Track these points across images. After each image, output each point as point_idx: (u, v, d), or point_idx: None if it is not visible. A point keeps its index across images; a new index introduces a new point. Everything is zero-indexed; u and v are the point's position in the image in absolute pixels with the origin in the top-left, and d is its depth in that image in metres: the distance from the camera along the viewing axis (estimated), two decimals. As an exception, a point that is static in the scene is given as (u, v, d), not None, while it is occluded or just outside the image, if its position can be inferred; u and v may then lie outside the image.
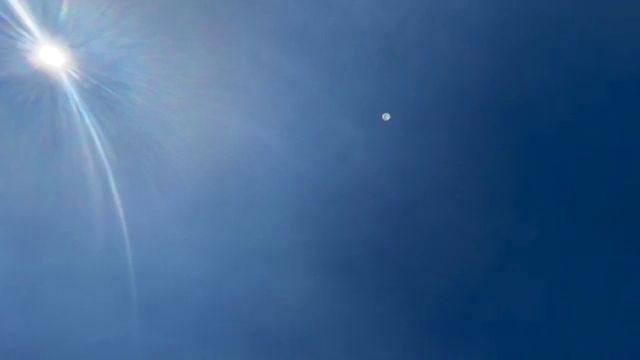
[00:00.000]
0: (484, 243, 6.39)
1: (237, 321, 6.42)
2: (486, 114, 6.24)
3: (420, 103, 6.24)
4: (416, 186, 6.37)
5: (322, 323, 6.51)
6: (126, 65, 5.75)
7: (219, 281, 6.37)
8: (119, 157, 6.00)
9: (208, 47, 5.78)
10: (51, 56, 5.59)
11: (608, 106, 6.18)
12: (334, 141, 6.28)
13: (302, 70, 6.11)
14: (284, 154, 6.21)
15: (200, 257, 6.31)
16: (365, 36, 6.14)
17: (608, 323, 6.42)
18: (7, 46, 5.43)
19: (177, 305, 6.32)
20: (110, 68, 5.75)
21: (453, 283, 6.40)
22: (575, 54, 6.03)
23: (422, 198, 6.39)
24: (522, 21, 6.08)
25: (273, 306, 6.45)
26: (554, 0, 6.01)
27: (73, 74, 5.69)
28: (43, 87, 5.62)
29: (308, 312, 6.47)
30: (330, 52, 6.14)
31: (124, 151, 6.00)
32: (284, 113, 6.16)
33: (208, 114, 5.98)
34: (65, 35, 5.54)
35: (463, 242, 6.36)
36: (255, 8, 5.85)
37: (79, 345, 6.23)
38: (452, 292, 6.50)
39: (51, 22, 5.45)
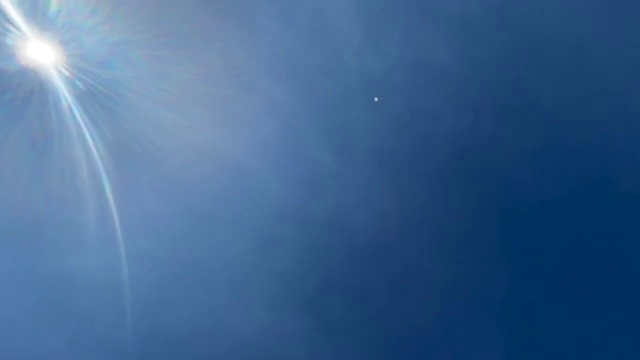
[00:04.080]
0: (450, 292, 6.45)
1: (174, 349, 6.25)
2: (463, 165, 6.36)
3: (399, 146, 6.34)
4: (388, 226, 6.43)
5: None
6: (118, 62, 5.70)
7: (164, 302, 6.30)
8: (111, 156, 5.98)
9: (201, 45, 5.81)
10: (41, 53, 5.51)
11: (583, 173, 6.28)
12: (311, 170, 6.34)
13: (287, 96, 6.20)
14: (259, 176, 6.25)
15: (149, 273, 6.25)
16: (353, 75, 6.25)
17: None
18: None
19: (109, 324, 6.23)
20: (102, 65, 5.69)
21: (416, 331, 6.46)
22: (554, 113, 6.20)
23: (393, 239, 6.46)
24: (505, 81, 6.25)
25: (218, 338, 6.29)
26: (537, 62, 6.19)
27: (64, 71, 5.63)
28: (32, 85, 5.55)
29: (255, 350, 6.36)
30: (317, 84, 6.22)
31: (117, 150, 5.96)
32: (265, 135, 6.22)
33: (194, 117, 6.02)
34: (55, 31, 5.47)
35: (429, 288, 6.44)
36: (251, 26, 5.96)
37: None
38: (415, 340, 6.56)
39: (40, 17, 5.38)
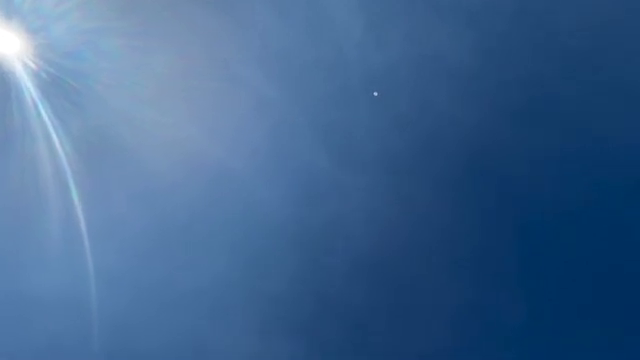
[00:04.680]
0: (462, 318, 5.63)
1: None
2: (473, 169, 5.62)
3: (405, 149, 5.63)
4: (392, 240, 5.68)
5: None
6: (89, 52, 5.12)
7: (136, 325, 5.52)
8: (80, 157, 5.33)
9: (183, 34, 5.18)
10: (4, 42, 5.00)
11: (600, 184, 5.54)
12: (305, 176, 5.63)
13: (280, 92, 5.55)
14: (246, 182, 5.56)
15: (121, 291, 5.49)
16: (353, 70, 5.59)
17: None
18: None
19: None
20: (71, 56, 5.11)
21: (418, 353, 5.63)
22: (577, 112, 5.46)
23: (398, 255, 5.69)
24: (522, 77, 5.55)
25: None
26: (557, 55, 5.50)
27: (29, 63, 5.07)
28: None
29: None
30: (313, 79, 5.56)
31: (86, 151, 5.32)
32: (254, 135, 5.55)
33: (174, 117, 5.37)
34: (21, 18, 4.95)
35: (438, 312, 5.62)
36: (239, 14, 5.34)
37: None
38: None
39: (4, 3, 4.87)
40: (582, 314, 5.35)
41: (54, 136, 5.23)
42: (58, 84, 5.14)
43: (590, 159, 5.34)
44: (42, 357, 5.29)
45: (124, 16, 5.10)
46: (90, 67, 5.15)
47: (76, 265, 5.46)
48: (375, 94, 5.48)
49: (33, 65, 5.09)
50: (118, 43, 5.10)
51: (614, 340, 5.41)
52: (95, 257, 5.46)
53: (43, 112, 5.16)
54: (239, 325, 5.59)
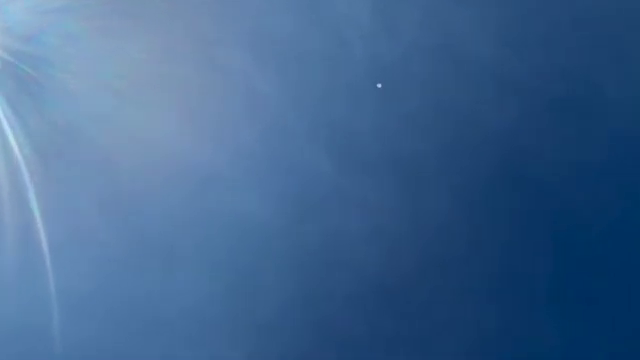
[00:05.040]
0: (477, 345, 4.82)
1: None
2: (497, 178, 4.85)
3: (416, 153, 4.87)
4: (401, 257, 4.89)
5: None
6: (52, 36, 4.42)
7: (105, 356, 4.73)
8: (40, 159, 4.58)
9: (162, 16, 4.47)
10: None
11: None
12: (303, 184, 4.88)
13: (275, 87, 4.82)
14: (236, 190, 4.81)
15: (87, 317, 4.69)
16: (359, 63, 4.86)
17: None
18: None
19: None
20: (30, 40, 4.42)
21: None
22: (623, 111, 4.72)
23: (407, 274, 4.89)
24: (554, 70, 4.82)
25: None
26: (597, 44, 4.78)
27: None
28: None
29: None
30: (313, 73, 4.83)
31: (47, 151, 4.60)
32: (244, 136, 4.81)
33: (152, 113, 4.63)
34: None
35: (451, 339, 4.80)
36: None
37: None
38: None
39: None
40: (631, 347, 4.54)
41: (9, 134, 4.52)
42: (14, 73, 4.46)
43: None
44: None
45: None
46: (53, 53, 4.46)
47: (34, 286, 4.70)
48: (379, 86, 4.74)
49: (-15, 50, 4.32)
50: (86, 25, 4.37)
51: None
52: (57, 277, 4.71)
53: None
54: (223, 357, 4.77)
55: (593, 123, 4.70)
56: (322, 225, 4.88)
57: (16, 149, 4.53)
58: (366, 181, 4.88)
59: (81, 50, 4.44)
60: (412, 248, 4.83)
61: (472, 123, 4.77)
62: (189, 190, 4.81)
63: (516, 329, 4.68)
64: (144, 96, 4.56)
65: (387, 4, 4.80)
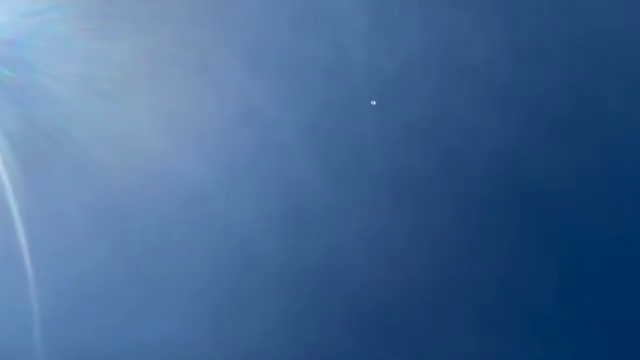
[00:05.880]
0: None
1: None
2: (504, 192, 4.52)
3: (417, 166, 4.58)
4: (401, 277, 4.55)
5: None
6: (36, 39, 4.23)
7: None
8: (21, 164, 4.35)
9: (150, 19, 4.26)
10: None
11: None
12: (297, 199, 4.59)
13: (267, 96, 4.57)
14: (224, 205, 4.52)
15: (69, 344, 4.36)
16: (357, 71, 4.63)
17: None
18: None
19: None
20: (13, 43, 4.24)
21: None
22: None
23: (408, 295, 4.54)
24: (561, 80, 4.55)
25: None
26: (611, 55, 4.51)
27: None
28: None
29: None
30: (308, 82, 4.61)
31: (28, 156, 4.36)
32: (233, 147, 4.54)
33: (139, 120, 4.38)
34: None
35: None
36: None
37: None
38: None
39: None
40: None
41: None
42: (-3, 77, 4.20)
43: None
44: None
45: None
46: (34, 55, 4.28)
47: (6, 309, 4.39)
48: (373, 103, 4.48)
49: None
50: (70, 27, 4.18)
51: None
52: (28, 301, 4.36)
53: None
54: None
55: (599, 136, 4.38)
56: (317, 243, 4.56)
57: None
58: (364, 196, 4.57)
59: (64, 53, 4.23)
60: (412, 268, 4.48)
61: (475, 135, 4.48)
62: (175, 204, 4.53)
63: (524, 354, 4.27)
64: (131, 102, 4.33)
65: (386, 11, 4.58)
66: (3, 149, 4.33)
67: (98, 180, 4.46)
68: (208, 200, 4.54)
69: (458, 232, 4.50)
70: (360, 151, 4.55)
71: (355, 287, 4.47)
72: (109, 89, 4.27)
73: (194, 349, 4.45)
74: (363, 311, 4.45)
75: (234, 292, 4.53)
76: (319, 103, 4.57)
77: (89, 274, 4.49)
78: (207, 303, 4.53)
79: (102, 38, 4.20)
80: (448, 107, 4.49)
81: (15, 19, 4.21)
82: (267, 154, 4.59)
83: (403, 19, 4.52)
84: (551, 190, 4.34)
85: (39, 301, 4.41)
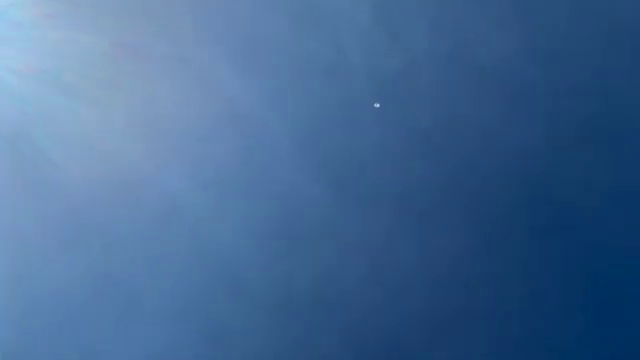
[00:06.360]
0: None
1: None
2: (521, 206, 4.02)
3: (424, 178, 4.08)
4: (404, 302, 4.00)
5: None
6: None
7: None
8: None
9: (121, 9, 3.74)
10: None
11: None
12: (292, 212, 4.07)
13: (258, 99, 4.07)
14: (207, 220, 3.98)
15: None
16: (358, 73, 4.15)
17: None
18: None
19: None
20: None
21: None
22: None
23: (411, 325, 3.99)
24: (583, 84, 4.10)
25: None
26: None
27: None
28: None
29: None
30: (304, 85, 4.13)
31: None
32: (218, 156, 4.01)
33: (109, 120, 3.84)
34: None
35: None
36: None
37: None
38: None
39: None
40: None
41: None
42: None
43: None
44: None
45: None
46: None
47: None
48: (377, 105, 4.01)
49: None
50: (32, 12, 3.65)
51: None
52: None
53: None
54: None
55: (627, 141, 3.92)
56: (311, 264, 4.02)
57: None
58: (365, 212, 4.05)
59: (25, 41, 3.69)
60: (418, 294, 3.94)
61: (491, 144, 4.00)
62: (149, 219, 3.98)
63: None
64: (101, 101, 3.79)
65: (390, 5, 4.12)
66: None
67: (62, 191, 3.90)
68: (187, 214, 4.01)
69: (472, 255, 3.98)
70: (362, 160, 4.04)
71: (354, 317, 3.91)
72: (76, 86, 3.73)
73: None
74: (362, 345, 3.89)
75: (219, 317, 3.96)
76: (316, 105, 4.07)
77: (47, 299, 3.90)
78: (184, 333, 3.95)
79: (69, 26, 3.66)
80: (460, 111, 4.01)
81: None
82: (256, 162, 4.07)
83: (409, 14, 4.06)
84: (579, 204, 3.85)
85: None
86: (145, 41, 3.78)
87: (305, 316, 3.93)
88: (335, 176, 4.05)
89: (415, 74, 4.09)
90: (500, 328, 3.91)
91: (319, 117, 4.11)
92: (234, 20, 3.96)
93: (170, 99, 3.85)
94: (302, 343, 3.86)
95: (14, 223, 3.92)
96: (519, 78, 4.03)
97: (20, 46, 3.71)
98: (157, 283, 3.98)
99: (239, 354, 3.83)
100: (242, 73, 4.03)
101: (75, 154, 3.84)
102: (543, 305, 3.90)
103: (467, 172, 4.01)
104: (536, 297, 3.91)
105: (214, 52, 3.92)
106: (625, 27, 4.12)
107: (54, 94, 3.76)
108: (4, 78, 3.70)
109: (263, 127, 4.08)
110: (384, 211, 4.01)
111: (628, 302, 3.81)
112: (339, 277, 3.96)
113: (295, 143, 4.09)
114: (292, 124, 4.10)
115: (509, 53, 4.05)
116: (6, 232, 3.91)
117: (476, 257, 4.00)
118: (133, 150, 3.85)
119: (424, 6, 4.07)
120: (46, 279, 3.93)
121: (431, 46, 4.09)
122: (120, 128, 3.82)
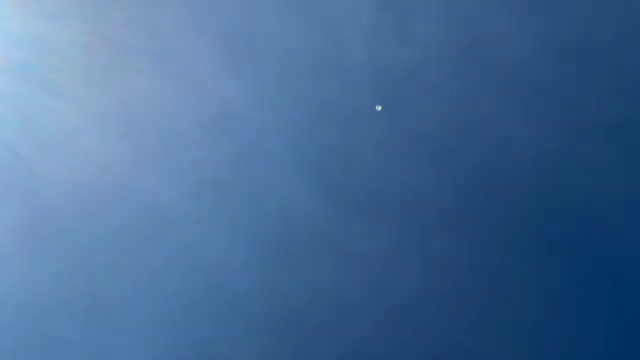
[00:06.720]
0: None
1: None
2: (546, 223, 3.63)
3: (431, 189, 3.71)
4: (405, 320, 3.65)
5: None
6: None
7: None
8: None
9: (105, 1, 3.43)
10: None
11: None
12: (286, 223, 3.73)
13: (251, 100, 3.73)
14: (193, 234, 3.65)
15: None
16: (361, 71, 3.79)
17: None
18: None
19: None
20: None
21: None
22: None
23: (412, 346, 3.63)
24: (614, 85, 3.71)
25: None
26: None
27: None
28: None
29: None
30: (302, 84, 3.78)
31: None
32: (211, 162, 3.67)
33: (88, 120, 3.53)
34: None
35: None
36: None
37: None
38: None
39: None
40: None
41: None
42: None
43: None
44: None
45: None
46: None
47: None
48: (379, 108, 3.65)
49: None
50: (3, 4, 3.36)
51: None
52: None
53: None
54: None
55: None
56: (306, 278, 3.68)
57: None
58: (365, 224, 3.69)
59: (4, 37, 3.40)
60: (423, 311, 3.58)
61: (504, 149, 3.62)
62: (132, 230, 3.66)
63: None
64: (79, 98, 3.49)
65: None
66: None
67: (36, 196, 3.60)
68: (173, 226, 3.68)
69: (480, 270, 3.60)
70: (363, 166, 3.68)
71: (352, 339, 3.56)
72: (51, 81, 3.41)
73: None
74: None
75: (207, 335, 3.64)
76: (312, 107, 3.73)
77: (9, 310, 3.60)
78: (176, 348, 3.63)
79: (43, 18, 3.35)
80: (473, 114, 3.63)
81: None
82: (247, 169, 3.73)
83: (417, 7, 3.69)
84: (598, 215, 3.45)
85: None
86: (123, 33, 3.46)
87: (299, 339, 3.59)
88: (334, 184, 3.71)
89: (423, 73, 3.73)
90: (512, 348, 3.55)
91: (317, 118, 3.77)
92: (224, 12, 3.62)
93: (151, 97, 3.53)
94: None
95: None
96: (534, 78, 3.64)
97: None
98: (136, 304, 3.67)
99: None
100: (234, 69, 3.70)
101: (49, 155, 3.53)
102: (561, 324, 3.53)
103: (478, 180, 3.64)
104: (551, 314, 3.54)
105: (198, 45, 3.59)
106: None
107: (31, 89, 3.45)
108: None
109: (256, 129, 3.75)
110: (383, 224, 3.64)
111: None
112: (336, 297, 3.61)
113: (291, 147, 3.76)
114: (288, 126, 3.76)
115: (529, 51, 3.66)
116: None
117: (486, 272, 3.63)
118: (113, 152, 3.53)
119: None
120: (9, 286, 3.62)
121: (440, 42, 3.72)
122: (97, 128, 3.51)
